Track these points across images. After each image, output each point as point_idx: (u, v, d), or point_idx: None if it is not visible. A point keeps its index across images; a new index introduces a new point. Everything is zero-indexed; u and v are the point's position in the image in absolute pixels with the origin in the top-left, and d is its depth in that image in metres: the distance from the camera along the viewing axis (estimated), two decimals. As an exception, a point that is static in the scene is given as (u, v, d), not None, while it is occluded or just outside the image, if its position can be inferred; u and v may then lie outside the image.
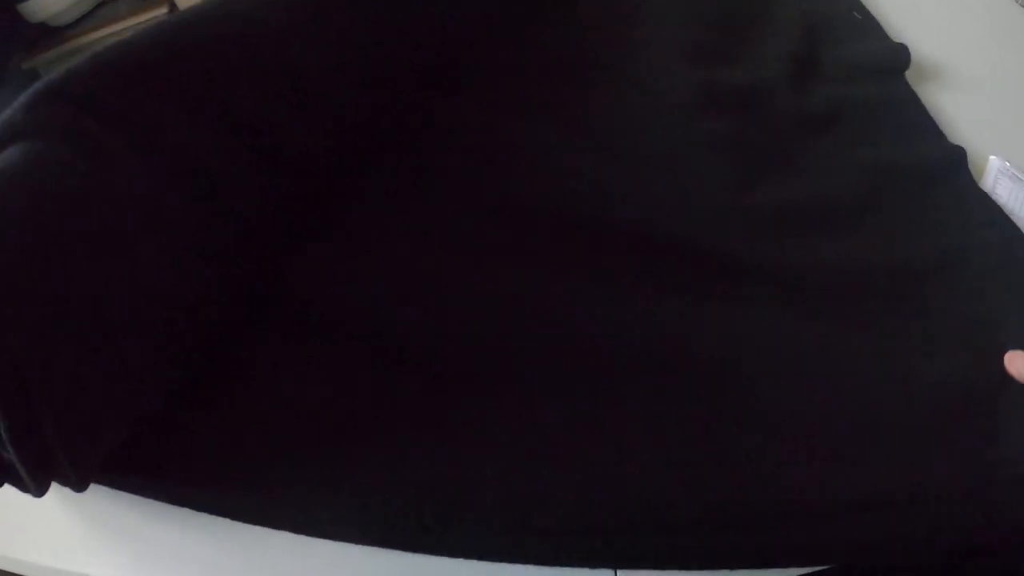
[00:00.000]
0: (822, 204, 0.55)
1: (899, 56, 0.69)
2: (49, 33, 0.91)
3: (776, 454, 0.38)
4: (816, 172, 0.58)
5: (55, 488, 0.35)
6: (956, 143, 0.64)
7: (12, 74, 0.89)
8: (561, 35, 0.63)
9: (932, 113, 0.67)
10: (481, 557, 0.34)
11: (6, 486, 0.33)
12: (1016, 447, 0.38)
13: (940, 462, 0.38)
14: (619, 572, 0.35)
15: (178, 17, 0.42)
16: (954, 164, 0.61)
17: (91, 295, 0.31)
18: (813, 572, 0.35)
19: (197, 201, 0.37)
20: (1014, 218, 0.60)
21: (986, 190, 0.62)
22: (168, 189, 0.36)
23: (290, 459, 0.36)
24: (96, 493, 0.39)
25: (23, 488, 0.33)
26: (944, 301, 0.49)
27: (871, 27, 0.74)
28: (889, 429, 0.39)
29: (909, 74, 0.71)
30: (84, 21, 0.92)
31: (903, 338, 0.46)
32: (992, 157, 0.65)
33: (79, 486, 0.33)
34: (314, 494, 0.35)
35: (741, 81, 0.64)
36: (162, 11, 0.91)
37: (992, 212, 0.56)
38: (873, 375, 0.43)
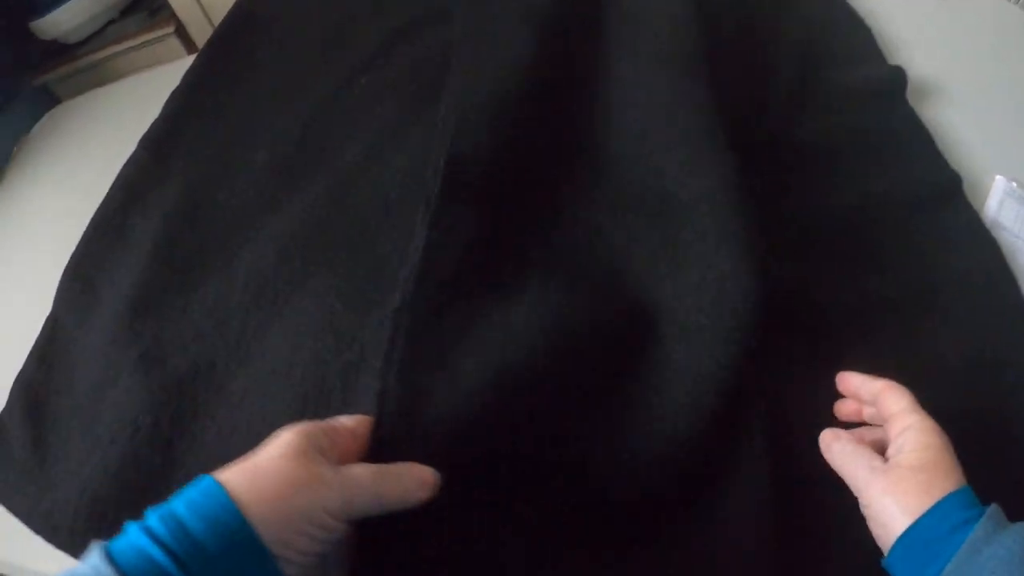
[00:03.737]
0: (814, 235, 0.55)
1: (895, 80, 0.67)
2: (60, 50, 0.94)
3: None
4: (810, 204, 0.57)
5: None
6: (958, 164, 0.62)
7: (24, 89, 0.92)
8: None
9: (934, 134, 0.65)
10: None
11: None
12: None
13: None
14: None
15: None
16: (948, 193, 0.59)
17: None
18: None
19: None
20: (1020, 241, 0.57)
21: (990, 212, 0.60)
22: None
23: None
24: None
25: None
26: (919, 336, 0.48)
27: (868, 49, 0.72)
28: None
29: (909, 92, 0.69)
30: (94, 39, 0.95)
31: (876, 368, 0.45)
32: (998, 177, 0.63)
33: None
34: None
35: (748, 119, 0.62)
36: (168, 30, 0.94)
37: (980, 248, 0.55)
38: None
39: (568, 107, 0.54)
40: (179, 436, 0.45)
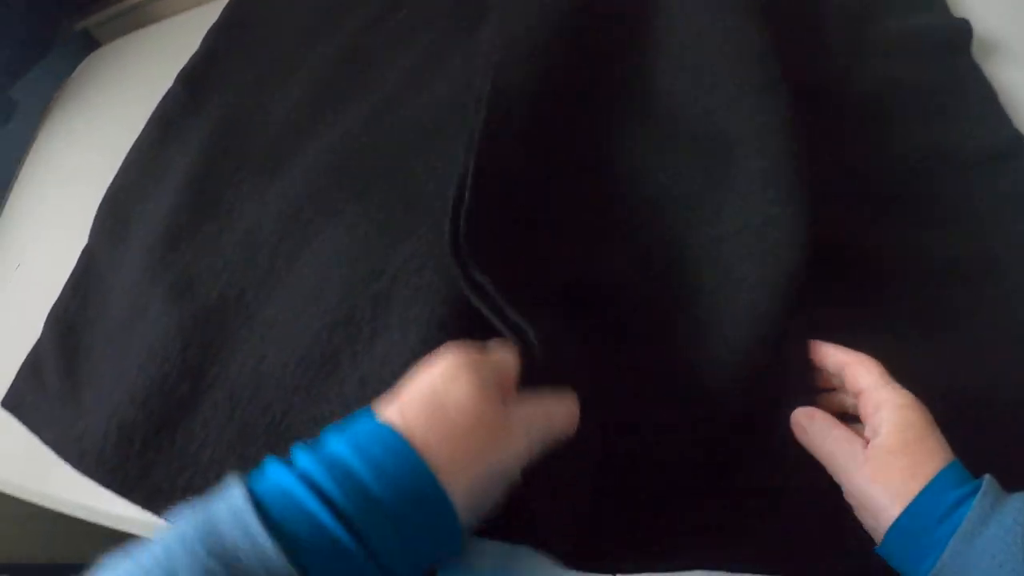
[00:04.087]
0: (864, 187, 0.52)
1: (959, 32, 0.63)
2: (100, -6, 0.94)
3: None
4: (862, 154, 0.54)
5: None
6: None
7: (66, 35, 0.92)
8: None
9: (999, 92, 0.61)
10: None
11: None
12: None
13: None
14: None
15: None
16: (1010, 154, 0.55)
17: None
18: None
19: None
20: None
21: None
22: None
23: None
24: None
25: None
26: (979, 301, 0.44)
27: (931, 1, 0.68)
28: None
29: (976, 50, 0.65)
30: (134, -17, 0.94)
31: (922, 332, 0.42)
32: (1068, 144, 0.59)
33: None
34: None
35: (798, 64, 0.59)
36: (208, -26, 0.93)
37: None
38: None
39: (616, 42, 0.52)
40: (208, 364, 0.44)
